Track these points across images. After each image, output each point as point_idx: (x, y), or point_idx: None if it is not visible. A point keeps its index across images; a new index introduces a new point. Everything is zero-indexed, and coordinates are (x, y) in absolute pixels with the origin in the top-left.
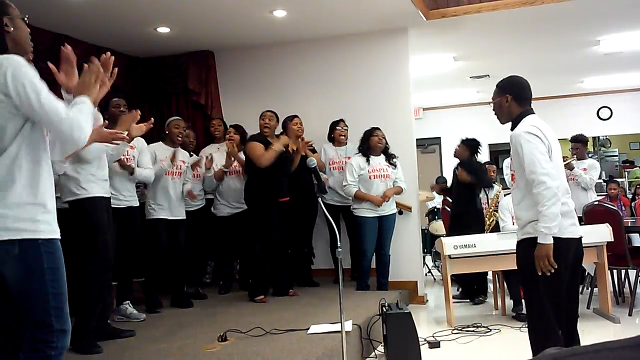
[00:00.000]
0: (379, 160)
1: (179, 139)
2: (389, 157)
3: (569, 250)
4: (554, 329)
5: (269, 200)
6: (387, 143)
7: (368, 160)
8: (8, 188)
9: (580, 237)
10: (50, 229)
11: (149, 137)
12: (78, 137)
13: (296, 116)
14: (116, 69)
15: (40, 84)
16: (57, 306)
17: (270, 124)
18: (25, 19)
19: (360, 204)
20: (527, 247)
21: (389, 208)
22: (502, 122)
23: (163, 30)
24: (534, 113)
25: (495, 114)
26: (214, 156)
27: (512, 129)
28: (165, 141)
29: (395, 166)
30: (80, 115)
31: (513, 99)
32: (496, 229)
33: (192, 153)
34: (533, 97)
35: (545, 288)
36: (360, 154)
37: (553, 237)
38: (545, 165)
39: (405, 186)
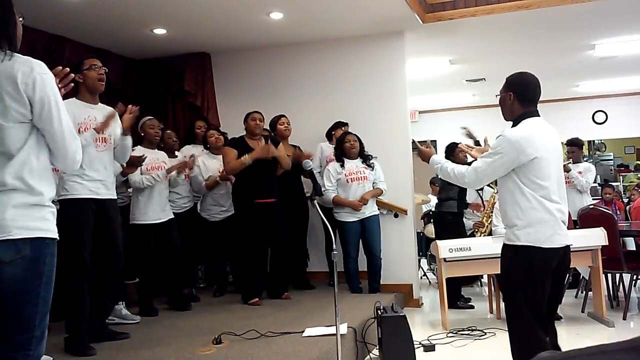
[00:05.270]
0: (355, 164)
1: (157, 138)
2: (366, 159)
3: (549, 259)
4: (537, 334)
5: (247, 202)
6: (362, 145)
7: (343, 165)
8: (22, 190)
9: (567, 246)
10: (54, 228)
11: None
12: (79, 160)
13: (283, 116)
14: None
15: (60, 99)
16: (42, 311)
17: (260, 125)
18: (20, 19)
19: (340, 208)
20: (508, 253)
21: (370, 210)
22: (505, 119)
23: (159, 31)
24: (537, 115)
25: (500, 108)
26: (207, 162)
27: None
28: (143, 143)
29: (373, 167)
30: (75, 143)
31: (516, 97)
32: None
33: (177, 154)
34: None
35: (526, 297)
36: (334, 159)
37: (534, 246)
38: (487, 172)
39: (384, 187)
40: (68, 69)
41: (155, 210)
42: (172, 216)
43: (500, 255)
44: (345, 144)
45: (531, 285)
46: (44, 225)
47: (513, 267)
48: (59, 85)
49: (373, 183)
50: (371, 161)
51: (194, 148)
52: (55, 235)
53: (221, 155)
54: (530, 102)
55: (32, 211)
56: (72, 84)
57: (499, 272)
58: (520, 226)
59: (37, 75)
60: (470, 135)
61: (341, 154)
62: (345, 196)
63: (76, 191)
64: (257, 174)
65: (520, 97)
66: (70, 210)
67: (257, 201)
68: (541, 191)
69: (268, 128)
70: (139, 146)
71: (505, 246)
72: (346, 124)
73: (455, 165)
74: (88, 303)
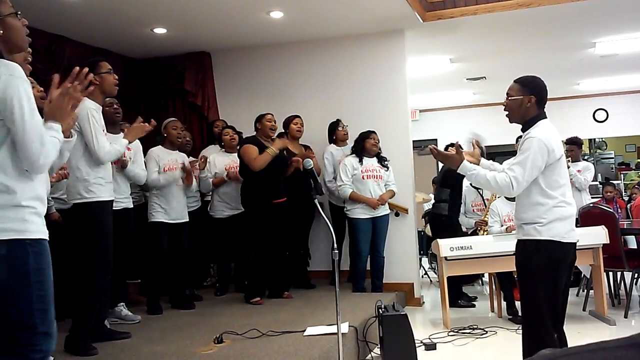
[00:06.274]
0: (371, 162)
1: (179, 140)
2: (381, 160)
3: (568, 254)
4: (549, 330)
5: (265, 203)
6: (379, 148)
7: (361, 161)
8: None
9: (577, 242)
10: (37, 229)
11: (144, 140)
12: (41, 165)
13: (297, 116)
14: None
15: (30, 101)
16: (42, 308)
17: (275, 126)
18: (18, 14)
19: (354, 205)
20: (526, 248)
21: (383, 209)
22: (512, 121)
23: (159, 31)
24: (546, 117)
25: (508, 110)
26: (217, 159)
27: (523, 130)
28: (165, 144)
29: (388, 168)
30: (52, 147)
31: (536, 101)
32: None
33: (189, 154)
34: None
35: (545, 290)
36: (353, 154)
37: (555, 241)
38: (526, 177)
39: (396, 189)
40: (87, 69)
41: (174, 210)
42: (187, 219)
43: (504, 253)
44: (369, 141)
45: (551, 278)
46: (21, 226)
47: (534, 261)
48: (79, 87)
49: (385, 184)
50: (386, 162)
51: (215, 147)
52: (37, 235)
53: (233, 154)
54: (544, 105)
55: (9, 212)
56: (94, 86)
57: (502, 270)
58: (544, 223)
59: (2, 75)
60: (478, 144)
61: (361, 150)
62: (360, 193)
63: (102, 194)
64: (271, 174)
65: (539, 100)
66: (99, 213)
67: (274, 202)
68: (560, 189)
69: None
70: (159, 146)
71: (523, 241)
72: (339, 121)
73: (495, 174)
74: (99, 304)
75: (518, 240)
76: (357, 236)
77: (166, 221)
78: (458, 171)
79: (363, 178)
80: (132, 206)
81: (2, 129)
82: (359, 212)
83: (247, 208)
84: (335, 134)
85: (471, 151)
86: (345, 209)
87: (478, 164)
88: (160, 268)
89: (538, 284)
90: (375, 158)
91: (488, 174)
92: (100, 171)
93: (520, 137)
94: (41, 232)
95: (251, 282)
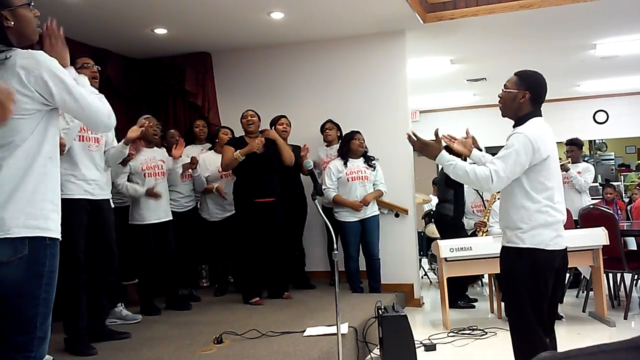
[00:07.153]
0: (357, 163)
1: (155, 137)
2: (368, 160)
3: (553, 261)
4: (540, 336)
5: (248, 201)
6: (366, 147)
7: (346, 164)
8: (23, 184)
9: (565, 248)
10: (57, 228)
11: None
12: (110, 123)
13: (283, 116)
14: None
15: (72, 80)
16: (44, 312)
17: (253, 120)
18: (31, 5)
19: (341, 208)
20: (511, 255)
21: (370, 210)
22: (504, 115)
23: (160, 31)
24: (541, 115)
25: (502, 102)
26: (207, 158)
27: (514, 126)
28: (141, 141)
29: (375, 168)
30: (101, 103)
31: (530, 97)
32: None
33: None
34: None
35: (529, 297)
36: (339, 157)
37: (539, 249)
38: (508, 173)
39: (384, 189)
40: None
41: (156, 210)
42: (171, 217)
43: (499, 257)
44: (354, 142)
45: (535, 287)
46: (44, 224)
47: (517, 269)
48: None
49: (373, 184)
50: (373, 162)
51: (194, 148)
52: (57, 235)
53: None
54: (540, 103)
55: (33, 209)
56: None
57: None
58: (525, 229)
59: (43, 71)
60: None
61: (347, 152)
62: (345, 195)
63: (70, 191)
64: (258, 172)
65: (534, 98)
66: (64, 210)
67: (256, 200)
68: (546, 192)
69: (268, 127)
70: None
71: (506, 248)
72: (326, 122)
73: (475, 167)
74: (85, 302)
75: (502, 246)
76: (345, 238)
77: (148, 222)
78: (435, 162)
79: (348, 180)
80: (112, 206)
81: (33, 117)
82: (346, 215)
83: (235, 206)
84: (325, 133)
85: (463, 140)
86: (333, 211)
87: (469, 155)
88: (149, 269)
89: (522, 291)
90: (361, 158)
91: (467, 166)
92: (72, 167)
93: None
94: (59, 231)
95: (245, 283)
